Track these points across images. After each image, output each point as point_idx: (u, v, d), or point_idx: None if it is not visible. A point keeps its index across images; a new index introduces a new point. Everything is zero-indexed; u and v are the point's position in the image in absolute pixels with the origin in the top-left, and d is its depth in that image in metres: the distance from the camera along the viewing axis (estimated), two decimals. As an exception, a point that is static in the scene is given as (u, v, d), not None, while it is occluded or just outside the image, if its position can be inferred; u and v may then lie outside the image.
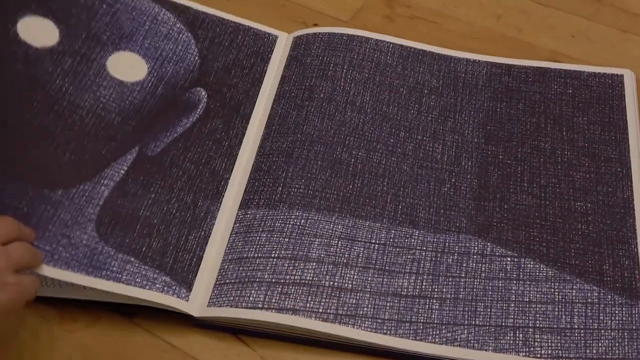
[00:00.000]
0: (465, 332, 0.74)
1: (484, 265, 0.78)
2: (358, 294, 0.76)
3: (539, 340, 0.73)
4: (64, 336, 0.75)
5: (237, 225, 0.81)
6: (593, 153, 0.85)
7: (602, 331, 0.73)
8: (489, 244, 0.79)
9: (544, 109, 0.90)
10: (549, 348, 0.72)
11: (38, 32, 0.91)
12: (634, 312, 0.74)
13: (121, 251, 0.78)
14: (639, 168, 0.84)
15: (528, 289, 0.76)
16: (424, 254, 0.79)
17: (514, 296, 0.76)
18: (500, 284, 0.77)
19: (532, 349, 0.72)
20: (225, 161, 0.86)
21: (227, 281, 0.77)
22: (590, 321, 0.74)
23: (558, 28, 1.02)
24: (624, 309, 0.74)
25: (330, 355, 0.75)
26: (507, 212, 0.81)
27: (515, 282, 0.77)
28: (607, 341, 0.72)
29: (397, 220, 0.81)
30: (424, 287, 0.77)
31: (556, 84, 0.92)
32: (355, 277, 0.77)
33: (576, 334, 0.73)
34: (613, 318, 0.74)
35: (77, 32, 0.93)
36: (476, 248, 0.79)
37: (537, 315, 0.74)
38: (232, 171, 0.86)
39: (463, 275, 0.77)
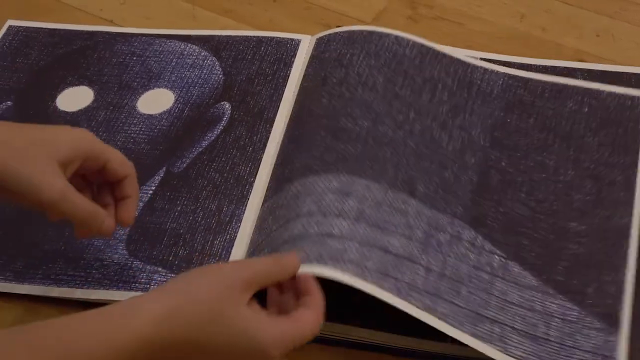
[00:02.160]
0: (447, 307, 0.70)
1: (472, 254, 0.75)
2: (346, 242, 0.71)
3: (514, 341, 0.69)
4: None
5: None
6: (597, 175, 0.81)
7: (577, 350, 0.69)
8: (480, 236, 0.77)
9: (554, 125, 0.86)
10: (523, 351, 0.69)
11: (75, 99, 0.95)
12: (610, 339, 0.70)
13: (149, 263, 0.79)
14: None
15: (511, 290, 0.73)
16: (418, 222, 0.75)
17: (496, 292, 0.73)
18: (485, 277, 0.73)
19: (506, 346, 0.69)
20: (250, 166, 0.86)
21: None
22: (567, 338, 0.70)
23: (582, 27, 1.01)
24: (600, 334, 0.70)
25: (359, 357, 0.73)
26: (501, 215, 0.79)
27: (499, 279, 0.74)
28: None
29: (395, 186, 0.78)
30: (413, 252, 0.73)
31: (572, 102, 0.88)
32: (345, 226, 0.73)
33: (551, 346, 0.69)
34: (589, 340, 0.70)
35: (110, 86, 0.97)
36: (468, 236, 0.76)
37: (516, 317, 0.71)
38: (256, 174, 0.85)
39: (452, 256, 0.74)
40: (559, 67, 0.94)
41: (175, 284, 0.62)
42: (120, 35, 1.02)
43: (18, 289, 0.78)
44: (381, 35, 0.91)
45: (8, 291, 0.78)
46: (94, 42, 1.01)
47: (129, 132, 0.91)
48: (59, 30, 1.04)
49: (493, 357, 0.68)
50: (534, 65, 0.93)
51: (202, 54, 0.99)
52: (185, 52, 1.00)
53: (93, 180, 0.74)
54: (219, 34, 1.02)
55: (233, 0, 1.08)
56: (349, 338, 0.73)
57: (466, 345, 0.70)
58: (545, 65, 0.94)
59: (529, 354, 0.68)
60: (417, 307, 0.69)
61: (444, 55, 0.91)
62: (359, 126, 0.82)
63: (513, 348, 0.69)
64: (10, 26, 1.04)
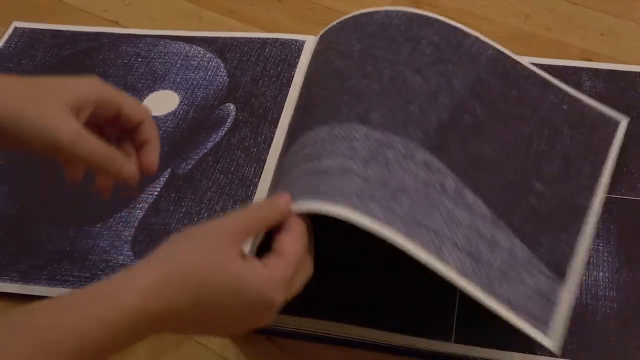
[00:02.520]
0: (381, 211, 0.64)
1: (423, 172, 0.69)
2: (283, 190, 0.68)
3: (452, 254, 0.64)
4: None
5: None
6: (568, 160, 0.79)
7: (519, 283, 0.66)
8: (437, 160, 0.70)
9: (534, 105, 0.83)
10: (461, 264, 0.64)
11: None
12: (556, 286, 0.68)
13: (154, 264, 0.78)
14: (604, 190, 0.79)
15: (460, 212, 0.68)
16: (364, 144, 0.70)
17: (443, 209, 0.67)
18: (434, 194, 0.68)
19: (441, 254, 0.63)
20: (254, 166, 0.86)
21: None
22: (511, 271, 0.67)
23: (587, 27, 1.00)
24: (547, 279, 0.68)
25: (358, 356, 0.73)
26: (466, 151, 0.73)
27: (451, 201, 0.68)
28: (519, 293, 0.65)
29: (345, 120, 0.72)
30: (350, 167, 0.67)
31: (553, 96, 0.86)
32: (287, 180, 0.70)
33: (492, 271, 0.65)
34: (534, 279, 0.67)
35: (115, 88, 0.95)
36: (422, 157, 0.70)
37: (460, 237, 0.66)
38: (261, 175, 0.85)
39: (398, 170, 0.68)
40: (564, 66, 0.93)
41: (160, 253, 0.60)
42: (125, 36, 1.03)
43: (24, 289, 0.78)
44: (372, 13, 0.87)
45: (14, 292, 0.78)
46: (98, 44, 1.02)
47: (135, 133, 0.91)
48: (64, 31, 1.04)
49: (425, 260, 0.63)
50: (539, 64, 0.91)
51: (207, 55, 0.99)
52: (190, 54, 1.00)
53: (110, 132, 0.72)
54: (224, 35, 1.02)
55: (237, 1, 1.08)
56: (351, 337, 0.73)
57: (470, 345, 0.71)
58: (551, 65, 0.93)
59: (467, 270, 0.64)
60: (342, 206, 0.63)
61: (436, 20, 0.86)
62: (326, 89, 0.79)
63: (449, 259, 0.64)
64: (16, 28, 1.05)
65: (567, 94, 0.86)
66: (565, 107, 0.85)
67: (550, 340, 0.64)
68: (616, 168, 0.82)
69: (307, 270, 0.64)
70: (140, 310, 0.56)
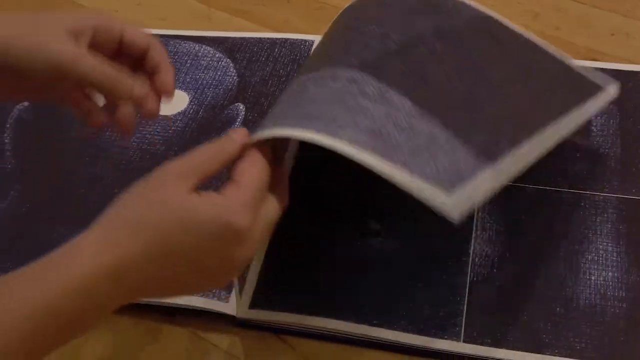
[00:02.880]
0: (273, 121, 0.63)
1: (342, 85, 0.65)
2: None
3: (349, 132, 0.61)
4: (109, 336, 0.75)
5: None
6: (538, 97, 0.75)
7: (430, 159, 0.61)
8: (367, 75, 0.66)
9: (512, 55, 0.79)
10: (354, 138, 0.60)
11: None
12: (477, 165, 0.63)
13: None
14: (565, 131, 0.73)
15: (376, 107, 0.63)
16: (294, 88, 0.68)
17: (354, 104, 0.63)
18: (348, 97, 0.64)
19: (335, 133, 0.60)
20: (263, 166, 0.86)
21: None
22: (424, 150, 0.62)
23: (596, 26, 1.01)
24: (468, 156, 0.63)
25: (368, 356, 0.73)
26: (409, 70, 0.69)
27: (367, 99, 0.64)
28: (426, 164, 0.61)
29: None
30: (277, 109, 0.67)
31: (540, 56, 0.81)
32: None
33: (397, 149, 0.61)
34: (450, 157, 0.62)
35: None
36: (348, 76, 0.67)
37: (365, 120, 0.62)
38: (269, 175, 0.85)
39: (313, 89, 0.66)
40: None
41: (107, 211, 0.58)
42: (135, 36, 1.03)
43: (35, 289, 0.78)
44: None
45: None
46: (109, 44, 1.02)
47: (144, 132, 0.92)
48: (75, 31, 1.04)
49: (311, 138, 0.60)
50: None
51: (217, 55, 1.00)
52: (200, 54, 1.00)
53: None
54: (233, 35, 1.02)
55: (246, 1, 1.08)
56: (361, 337, 0.73)
57: (479, 345, 0.71)
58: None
59: (362, 143, 0.60)
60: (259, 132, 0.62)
61: None
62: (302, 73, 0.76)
63: (344, 134, 0.60)
64: (26, 28, 1.05)
65: (553, 57, 0.82)
66: (549, 66, 0.81)
67: (451, 204, 0.60)
68: (625, 168, 0.83)
69: (275, 200, 0.62)
70: (92, 268, 0.54)
